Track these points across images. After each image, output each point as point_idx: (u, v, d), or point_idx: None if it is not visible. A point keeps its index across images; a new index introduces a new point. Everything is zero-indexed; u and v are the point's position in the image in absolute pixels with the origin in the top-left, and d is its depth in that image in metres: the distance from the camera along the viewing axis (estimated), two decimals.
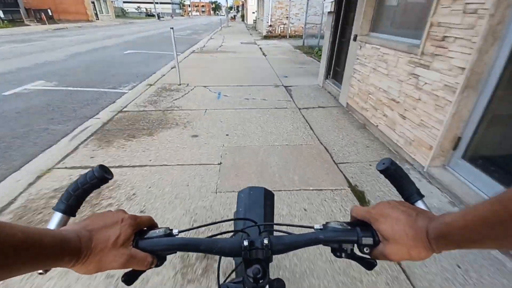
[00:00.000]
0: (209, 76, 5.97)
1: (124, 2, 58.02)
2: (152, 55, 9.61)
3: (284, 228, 0.59)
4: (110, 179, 0.47)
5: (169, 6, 73.15)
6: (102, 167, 0.46)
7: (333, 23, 4.80)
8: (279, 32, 15.96)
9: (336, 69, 4.94)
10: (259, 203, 0.68)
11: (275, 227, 0.61)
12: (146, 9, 49.05)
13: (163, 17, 60.10)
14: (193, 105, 4.13)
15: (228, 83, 5.42)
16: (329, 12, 5.13)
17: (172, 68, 6.59)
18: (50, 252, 0.32)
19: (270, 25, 15.85)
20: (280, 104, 4.23)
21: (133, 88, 5.18)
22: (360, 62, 3.65)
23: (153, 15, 50.19)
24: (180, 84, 5.19)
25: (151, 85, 5.20)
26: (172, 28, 5.21)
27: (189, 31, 21.38)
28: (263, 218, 0.65)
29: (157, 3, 68.13)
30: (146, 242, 0.42)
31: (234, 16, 52.00)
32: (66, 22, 29.99)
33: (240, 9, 69.79)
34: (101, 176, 0.45)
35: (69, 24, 26.22)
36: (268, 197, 0.71)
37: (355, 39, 3.73)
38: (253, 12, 39.58)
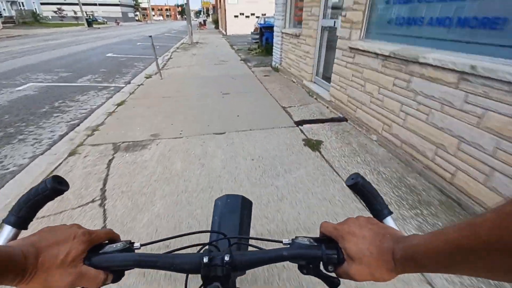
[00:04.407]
0: None
1: (42, 3, 39.82)
2: None
3: (255, 241, 0.53)
4: (65, 190, 0.43)
5: (117, 8, 55.82)
6: (55, 178, 0.42)
7: None
8: None
9: None
10: (236, 212, 0.65)
11: (245, 240, 0.60)
12: (83, 12, 32.39)
13: (103, 23, 43.01)
14: None
15: None
16: None
17: None
18: None
19: None
20: None
21: None
22: None
23: (90, 21, 33.27)
24: None
25: None
26: None
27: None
28: (238, 228, 0.61)
29: (94, 4, 50.77)
30: (99, 258, 0.39)
31: (204, 21, 36.73)
32: None
33: (211, 12, 54.45)
34: (54, 188, 0.42)
35: None
36: (245, 205, 0.68)
37: None
38: (236, 16, 24.86)
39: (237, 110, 4.01)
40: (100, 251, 0.40)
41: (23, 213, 0.40)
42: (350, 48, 3.40)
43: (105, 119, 3.65)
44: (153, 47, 5.65)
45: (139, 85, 5.49)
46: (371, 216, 0.45)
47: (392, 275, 0.36)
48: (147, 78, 6.16)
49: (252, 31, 14.97)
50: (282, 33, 6.30)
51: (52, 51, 10.69)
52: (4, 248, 0.32)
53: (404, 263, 0.34)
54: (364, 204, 0.47)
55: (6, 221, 0.40)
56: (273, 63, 7.24)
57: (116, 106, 4.16)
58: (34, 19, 34.73)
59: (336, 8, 4.08)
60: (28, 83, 5.68)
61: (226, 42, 15.01)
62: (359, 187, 0.46)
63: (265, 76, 6.41)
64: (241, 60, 8.83)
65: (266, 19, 14.26)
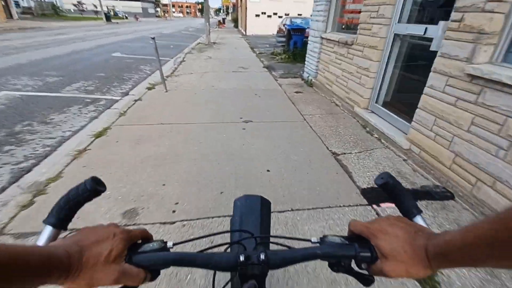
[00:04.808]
0: None
1: None
2: None
3: (281, 240, 0.54)
4: (103, 191, 0.44)
5: (138, 3, 55.74)
6: (94, 179, 0.43)
7: None
8: None
9: None
10: (255, 212, 0.65)
11: (272, 239, 0.59)
12: (102, 6, 32.25)
13: (123, 18, 42.81)
14: None
15: None
16: None
17: None
18: (37, 270, 0.30)
19: None
20: None
21: None
22: None
23: (108, 15, 33.04)
24: None
25: None
26: None
27: None
28: (259, 228, 0.62)
29: None
30: (140, 257, 0.40)
31: (223, 19, 35.67)
32: None
33: (230, 10, 53.39)
34: (93, 189, 0.42)
35: None
36: (264, 205, 0.68)
37: None
38: (257, 15, 23.41)
39: (265, 157, 2.65)
40: (139, 250, 0.41)
41: (63, 214, 0.41)
42: (471, 76, 1.96)
43: (64, 168, 2.38)
44: (157, 52, 4.38)
45: (136, 100, 4.25)
46: (401, 215, 0.46)
47: (427, 272, 0.36)
48: (149, 89, 4.92)
49: (276, 32, 13.57)
50: (322, 38, 4.87)
51: (56, 48, 9.73)
52: (47, 249, 0.33)
53: (438, 259, 0.34)
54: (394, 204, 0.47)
55: (47, 222, 0.40)
56: (305, 75, 5.83)
57: (93, 139, 2.91)
58: (54, 12, 34.75)
59: (429, 6, 2.64)
60: (1, 91, 4.56)
61: (246, 44, 13.67)
62: (389, 186, 0.47)
63: (296, 92, 5.01)
64: (264, 67, 7.46)
65: (292, 20, 12.79)
